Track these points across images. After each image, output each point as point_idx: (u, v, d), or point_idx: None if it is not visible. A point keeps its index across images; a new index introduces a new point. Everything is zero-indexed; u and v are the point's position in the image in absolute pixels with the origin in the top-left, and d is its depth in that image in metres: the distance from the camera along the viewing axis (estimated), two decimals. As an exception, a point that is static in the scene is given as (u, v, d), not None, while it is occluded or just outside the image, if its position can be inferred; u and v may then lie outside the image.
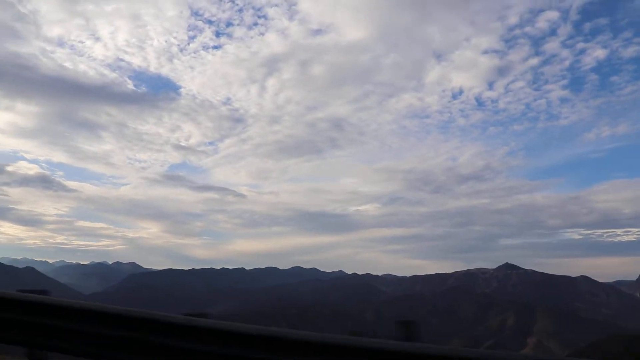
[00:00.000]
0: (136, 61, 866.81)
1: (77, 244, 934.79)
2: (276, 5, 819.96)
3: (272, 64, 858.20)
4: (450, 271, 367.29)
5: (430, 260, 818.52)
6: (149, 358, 4.72)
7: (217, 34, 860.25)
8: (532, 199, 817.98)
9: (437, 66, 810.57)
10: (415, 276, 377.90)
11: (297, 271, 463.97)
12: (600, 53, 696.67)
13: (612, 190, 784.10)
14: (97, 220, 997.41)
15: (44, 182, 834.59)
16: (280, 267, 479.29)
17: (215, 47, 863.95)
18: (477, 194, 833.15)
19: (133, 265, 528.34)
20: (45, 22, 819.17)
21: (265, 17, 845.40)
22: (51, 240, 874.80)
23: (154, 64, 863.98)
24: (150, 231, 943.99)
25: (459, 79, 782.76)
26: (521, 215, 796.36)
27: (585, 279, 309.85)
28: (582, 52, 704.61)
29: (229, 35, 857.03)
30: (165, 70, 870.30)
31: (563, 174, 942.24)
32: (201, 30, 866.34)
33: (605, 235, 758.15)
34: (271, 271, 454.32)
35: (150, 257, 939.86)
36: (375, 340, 4.00)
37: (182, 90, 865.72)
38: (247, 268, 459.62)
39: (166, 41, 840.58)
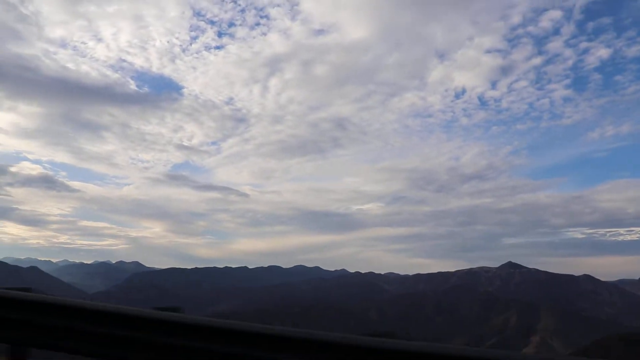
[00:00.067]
0: (138, 62, 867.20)
1: (81, 244, 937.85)
2: (278, 6, 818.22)
3: (274, 64, 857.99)
4: (453, 270, 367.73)
5: (433, 259, 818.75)
6: (152, 357, 4.72)
7: (219, 34, 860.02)
8: (536, 198, 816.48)
9: (439, 65, 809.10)
10: (418, 275, 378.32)
11: (300, 270, 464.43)
12: (603, 52, 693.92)
13: (616, 190, 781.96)
14: (100, 220, 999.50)
15: (47, 183, 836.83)
16: (284, 266, 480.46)
17: (218, 48, 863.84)
18: (480, 193, 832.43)
19: (136, 264, 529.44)
20: (48, 24, 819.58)
21: (267, 17, 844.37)
22: (55, 240, 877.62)
23: (156, 65, 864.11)
24: (153, 231, 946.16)
25: (461, 79, 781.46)
26: (524, 214, 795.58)
27: (588, 278, 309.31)
28: (586, 51, 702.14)
29: (231, 36, 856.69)
30: (167, 71, 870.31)
31: (566, 173, 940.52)
32: (203, 31, 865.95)
33: (608, 234, 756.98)
34: (274, 270, 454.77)
35: (153, 256, 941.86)
36: (377, 340, 3.97)
37: (184, 90, 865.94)
38: (250, 267, 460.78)
39: (168, 42, 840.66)
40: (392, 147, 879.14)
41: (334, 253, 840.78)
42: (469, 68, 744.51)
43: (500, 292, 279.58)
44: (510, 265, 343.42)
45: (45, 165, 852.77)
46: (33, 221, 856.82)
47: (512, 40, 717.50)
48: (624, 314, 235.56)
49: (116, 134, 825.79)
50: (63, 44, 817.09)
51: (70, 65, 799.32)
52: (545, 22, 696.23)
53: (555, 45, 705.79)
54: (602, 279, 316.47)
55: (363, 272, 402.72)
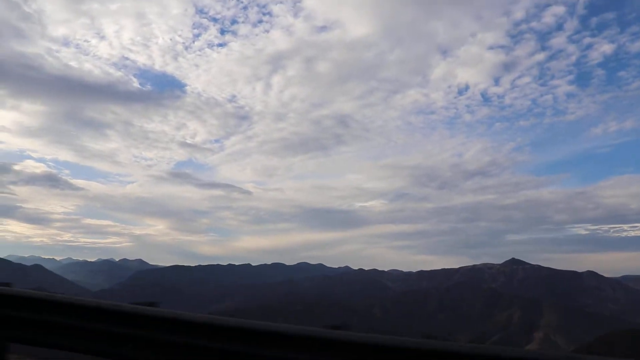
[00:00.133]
0: (141, 59, 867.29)
1: (84, 242, 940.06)
2: (281, 2, 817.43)
3: (277, 61, 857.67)
4: (456, 266, 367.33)
5: (436, 255, 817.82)
6: (156, 355, 4.75)
7: (222, 32, 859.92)
8: (539, 195, 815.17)
9: (442, 62, 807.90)
10: (421, 272, 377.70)
11: (303, 267, 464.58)
12: (607, 48, 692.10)
13: (619, 186, 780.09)
14: (103, 218, 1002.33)
15: (50, 181, 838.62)
16: (287, 263, 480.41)
17: (220, 45, 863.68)
18: (483, 190, 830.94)
19: (140, 262, 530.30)
20: (51, 22, 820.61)
21: (270, 14, 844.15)
22: (58, 238, 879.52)
23: (159, 62, 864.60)
24: (156, 228, 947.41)
25: (464, 75, 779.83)
26: (527, 210, 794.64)
27: (591, 274, 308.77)
28: (589, 47, 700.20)
29: (234, 33, 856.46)
30: (170, 69, 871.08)
31: (569, 169, 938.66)
32: (206, 28, 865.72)
33: (611, 230, 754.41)
34: (278, 267, 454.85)
35: (157, 254, 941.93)
36: (380, 337, 3.97)
37: (187, 88, 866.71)
38: (253, 264, 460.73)
39: (171, 39, 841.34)
40: (394, 144, 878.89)
41: (337, 250, 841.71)
42: (472, 64, 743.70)
43: (504, 288, 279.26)
44: (514, 261, 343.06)
45: (49, 163, 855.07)
46: (37, 219, 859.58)
47: (515, 36, 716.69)
48: (627, 310, 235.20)
49: (119, 131, 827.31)
50: (66, 42, 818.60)
51: (73, 64, 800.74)
52: (549, 17, 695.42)
53: (558, 41, 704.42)
54: (606, 275, 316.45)
55: (366, 269, 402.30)
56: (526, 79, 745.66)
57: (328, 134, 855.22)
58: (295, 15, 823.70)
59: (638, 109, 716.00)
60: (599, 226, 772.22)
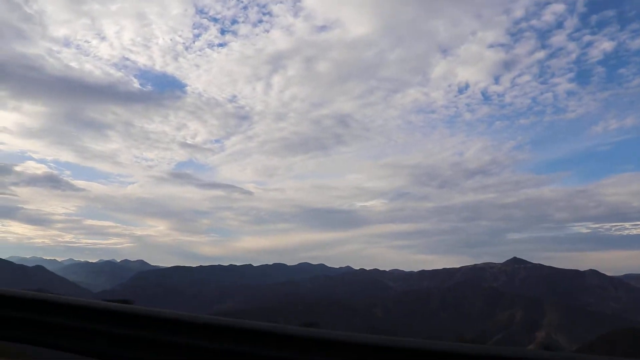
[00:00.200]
0: (142, 60, 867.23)
1: (86, 243, 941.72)
2: (281, 2, 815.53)
3: (277, 61, 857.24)
4: (457, 266, 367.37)
5: (437, 255, 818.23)
6: (157, 355, 4.74)
7: (222, 32, 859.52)
8: (540, 193, 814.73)
9: (442, 61, 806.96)
10: (422, 271, 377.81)
11: (304, 267, 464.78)
12: (607, 45, 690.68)
13: (621, 184, 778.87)
14: (104, 219, 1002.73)
15: (51, 182, 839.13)
16: (288, 263, 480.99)
17: (221, 45, 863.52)
18: (483, 189, 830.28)
19: (141, 262, 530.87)
20: (52, 23, 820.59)
21: (270, 14, 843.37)
22: (60, 239, 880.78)
23: (159, 63, 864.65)
24: (157, 229, 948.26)
25: (464, 74, 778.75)
26: (528, 209, 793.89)
27: (593, 273, 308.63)
28: (589, 44, 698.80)
29: (234, 33, 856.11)
30: (170, 69, 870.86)
31: (570, 167, 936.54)
32: (206, 28, 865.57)
33: (613, 228, 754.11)
34: (279, 267, 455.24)
35: (158, 254, 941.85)
36: (382, 337, 3.92)
37: (187, 88, 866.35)
38: (254, 264, 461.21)
39: (171, 39, 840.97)
40: (395, 143, 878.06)
41: (338, 250, 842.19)
42: (472, 63, 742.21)
43: (505, 287, 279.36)
44: (515, 260, 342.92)
45: (50, 164, 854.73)
46: (38, 220, 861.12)
47: (515, 35, 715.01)
48: (629, 309, 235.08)
49: (120, 132, 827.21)
50: (67, 43, 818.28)
51: (73, 64, 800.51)
52: (549, 15, 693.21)
53: (558, 38, 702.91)
54: (608, 273, 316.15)
55: (367, 269, 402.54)
56: (526, 77, 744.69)
57: (328, 134, 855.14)
58: (295, 15, 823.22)
59: (639, 107, 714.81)
60: (601, 224, 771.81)
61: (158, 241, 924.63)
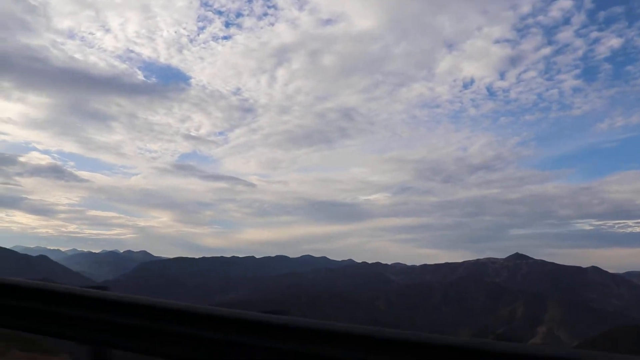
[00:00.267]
0: (146, 52, 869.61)
1: (89, 233, 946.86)
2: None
3: (281, 54, 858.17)
4: (460, 260, 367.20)
5: (440, 249, 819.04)
6: (159, 345, 4.76)
7: (227, 25, 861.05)
8: (543, 189, 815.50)
9: (448, 56, 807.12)
10: (425, 265, 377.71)
11: (307, 259, 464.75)
12: (614, 42, 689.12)
13: (625, 181, 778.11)
14: (108, 210, 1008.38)
15: (55, 172, 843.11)
16: (291, 256, 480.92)
17: (225, 38, 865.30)
18: (487, 184, 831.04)
19: (144, 253, 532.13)
20: (56, 14, 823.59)
21: (275, 7, 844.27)
22: (63, 229, 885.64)
23: (163, 55, 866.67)
24: (161, 220, 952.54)
25: (470, 69, 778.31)
26: (532, 205, 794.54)
27: (595, 270, 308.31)
28: (596, 41, 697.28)
29: (239, 26, 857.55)
30: (175, 61, 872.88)
31: (575, 164, 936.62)
32: (211, 21, 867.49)
33: (616, 226, 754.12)
34: (281, 259, 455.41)
35: (161, 245, 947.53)
36: (384, 330, 3.98)
37: (192, 80, 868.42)
38: (257, 256, 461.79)
39: (176, 32, 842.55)
40: (399, 138, 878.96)
41: (341, 243, 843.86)
42: (478, 58, 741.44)
43: (507, 283, 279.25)
44: (518, 256, 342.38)
45: (54, 155, 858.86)
46: (42, 210, 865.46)
47: (522, 30, 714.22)
48: (631, 306, 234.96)
49: (124, 124, 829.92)
50: (71, 35, 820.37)
51: (78, 56, 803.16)
52: (556, 11, 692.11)
53: (565, 35, 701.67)
54: (610, 270, 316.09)
55: (370, 262, 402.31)
56: (532, 73, 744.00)
57: (333, 127, 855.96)
58: (300, 8, 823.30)
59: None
60: (604, 222, 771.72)
61: (161, 232, 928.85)
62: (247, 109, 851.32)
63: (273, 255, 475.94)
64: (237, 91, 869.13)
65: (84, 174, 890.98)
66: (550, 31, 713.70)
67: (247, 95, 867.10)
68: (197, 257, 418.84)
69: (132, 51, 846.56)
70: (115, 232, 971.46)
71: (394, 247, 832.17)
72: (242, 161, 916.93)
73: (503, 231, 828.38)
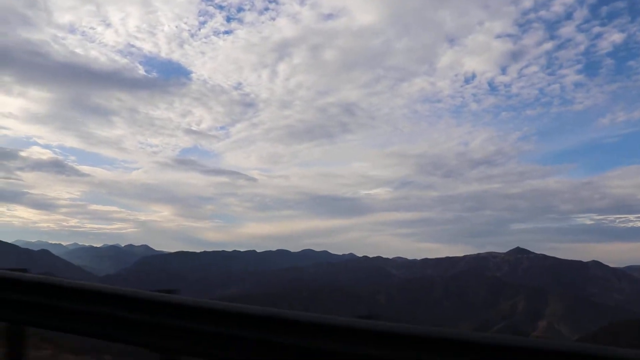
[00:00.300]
0: (147, 47, 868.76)
1: (90, 227, 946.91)
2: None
3: (283, 49, 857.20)
4: (461, 255, 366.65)
5: (441, 244, 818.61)
6: (160, 339, 4.77)
7: (228, 19, 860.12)
8: (545, 184, 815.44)
9: (449, 50, 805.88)
10: (426, 259, 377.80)
11: (308, 254, 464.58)
12: (617, 37, 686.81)
13: (626, 176, 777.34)
14: (109, 204, 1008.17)
15: (56, 167, 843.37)
16: (292, 250, 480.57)
17: (226, 32, 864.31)
18: (488, 179, 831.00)
19: (145, 247, 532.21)
20: (57, 9, 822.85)
21: (276, 1, 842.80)
22: (64, 224, 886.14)
23: (164, 50, 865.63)
24: (162, 214, 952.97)
25: (471, 64, 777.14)
26: (533, 200, 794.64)
27: (597, 264, 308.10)
28: (599, 36, 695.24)
29: (240, 20, 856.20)
30: (176, 56, 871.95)
31: (576, 159, 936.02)
32: (212, 16, 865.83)
33: (617, 220, 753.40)
34: (283, 254, 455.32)
35: (162, 240, 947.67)
36: (385, 324, 4.01)
37: (193, 75, 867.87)
38: (258, 250, 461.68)
39: (177, 26, 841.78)
40: (400, 132, 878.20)
41: (342, 237, 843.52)
42: (479, 53, 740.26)
43: (508, 277, 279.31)
44: (519, 250, 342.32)
45: (55, 149, 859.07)
46: (43, 205, 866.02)
47: (523, 25, 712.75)
48: (632, 301, 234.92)
49: (125, 118, 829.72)
50: (72, 29, 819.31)
51: (79, 51, 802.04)
52: (557, 6, 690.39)
53: (567, 30, 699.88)
54: (611, 265, 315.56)
55: (371, 256, 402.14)
56: (534, 68, 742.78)
57: (334, 122, 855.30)
58: (302, 3, 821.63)
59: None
60: (605, 216, 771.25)
61: (162, 226, 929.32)
62: (248, 104, 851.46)
63: (274, 249, 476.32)
64: (238, 86, 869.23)
65: (85, 168, 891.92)
66: (552, 26, 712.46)
67: (249, 89, 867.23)
68: (198, 251, 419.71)
69: (133, 46, 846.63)
70: (116, 226, 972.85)
71: (395, 241, 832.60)
72: (243, 156, 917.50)
73: (504, 226, 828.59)
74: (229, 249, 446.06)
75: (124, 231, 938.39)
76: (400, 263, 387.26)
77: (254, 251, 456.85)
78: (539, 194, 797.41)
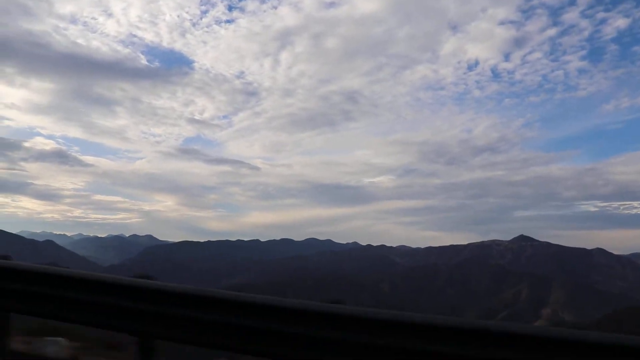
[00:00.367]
0: (149, 37, 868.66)
1: (95, 217, 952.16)
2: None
3: (285, 38, 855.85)
4: (464, 243, 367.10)
5: (444, 231, 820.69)
6: (165, 329, 4.80)
7: (230, 8, 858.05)
8: (548, 171, 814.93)
9: (452, 38, 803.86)
10: (429, 247, 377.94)
11: (312, 242, 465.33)
12: (621, 22, 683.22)
13: (630, 162, 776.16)
14: (113, 194, 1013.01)
15: (60, 157, 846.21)
16: (295, 239, 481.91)
17: (228, 21, 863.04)
18: (492, 166, 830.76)
19: (149, 237, 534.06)
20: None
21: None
22: (69, 214, 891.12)
23: (166, 39, 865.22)
24: (165, 204, 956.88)
25: (474, 51, 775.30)
26: (536, 187, 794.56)
27: (600, 251, 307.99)
28: (603, 21, 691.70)
29: (242, 9, 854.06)
30: (178, 45, 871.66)
31: (580, 145, 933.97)
32: (214, 5, 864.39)
33: (621, 207, 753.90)
34: (286, 243, 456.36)
35: (166, 229, 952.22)
36: (389, 312, 4.05)
37: (195, 64, 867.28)
38: (262, 240, 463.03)
39: (179, 16, 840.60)
40: (403, 120, 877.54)
41: (345, 226, 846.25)
42: (482, 40, 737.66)
43: (512, 265, 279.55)
44: (522, 238, 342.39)
45: (59, 140, 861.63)
46: (47, 195, 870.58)
47: (527, 12, 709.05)
48: (636, 288, 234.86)
49: (127, 108, 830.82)
50: (73, 20, 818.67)
51: (80, 41, 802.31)
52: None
53: (571, 16, 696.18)
54: (615, 252, 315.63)
55: (375, 244, 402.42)
56: (537, 55, 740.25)
57: (336, 110, 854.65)
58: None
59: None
60: (609, 203, 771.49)
61: (166, 216, 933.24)
62: (250, 93, 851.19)
63: (278, 238, 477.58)
64: (240, 75, 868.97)
65: (88, 158, 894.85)
66: (555, 12, 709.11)
67: (251, 78, 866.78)
68: (202, 240, 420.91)
69: (135, 36, 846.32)
70: (120, 216, 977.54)
71: (398, 229, 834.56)
72: (246, 144, 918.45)
73: (507, 213, 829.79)
74: (233, 239, 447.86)
75: (128, 221, 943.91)
76: (404, 251, 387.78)
77: (258, 240, 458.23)
78: (542, 181, 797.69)
